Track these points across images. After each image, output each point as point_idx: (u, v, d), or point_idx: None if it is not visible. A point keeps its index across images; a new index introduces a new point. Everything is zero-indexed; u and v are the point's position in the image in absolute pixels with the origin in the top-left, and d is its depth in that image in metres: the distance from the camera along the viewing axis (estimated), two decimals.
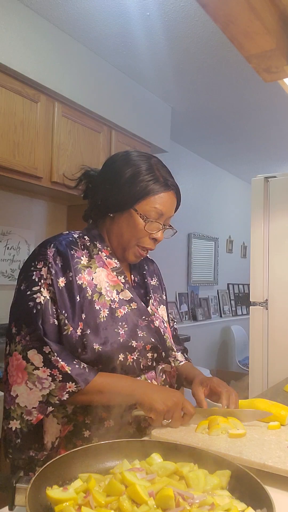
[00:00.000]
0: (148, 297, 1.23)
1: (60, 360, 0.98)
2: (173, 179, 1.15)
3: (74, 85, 2.55)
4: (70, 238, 1.13)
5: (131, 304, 1.13)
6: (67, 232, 1.17)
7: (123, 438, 1.03)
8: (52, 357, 0.98)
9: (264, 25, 0.98)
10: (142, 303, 1.17)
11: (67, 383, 0.97)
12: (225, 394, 1.10)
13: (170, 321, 1.36)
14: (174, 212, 1.18)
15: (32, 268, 1.07)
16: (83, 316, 1.05)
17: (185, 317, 4.58)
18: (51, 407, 0.98)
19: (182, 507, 0.65)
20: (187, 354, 1.37)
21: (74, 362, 1.00)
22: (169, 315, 1.36)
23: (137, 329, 1.11)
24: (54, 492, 0.67)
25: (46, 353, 0.98)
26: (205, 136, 4.24)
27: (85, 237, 1.16)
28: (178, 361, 1.30)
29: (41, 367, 0.98)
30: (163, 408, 0.97)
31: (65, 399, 0.97)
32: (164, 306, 1.30)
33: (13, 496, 0.66)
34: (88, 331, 1.04)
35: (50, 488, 0.68)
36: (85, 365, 1.01)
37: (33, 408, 0.98)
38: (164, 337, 1.18)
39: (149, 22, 2.40)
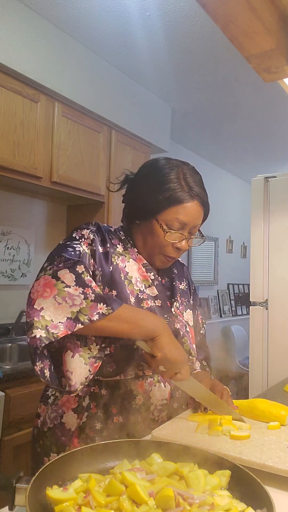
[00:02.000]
0: (173, 299, 1.22)
1: (93, 281, 1.00)
2: (200, 188, 1.13)
3: (74, 85, 2.55)
4: (109, 228, 1.18)
5: (156, 301, 1.15)
6: (105, 225, 1.19)
7: (131, 434, 1.04)
8: (85, 277, 0.99)
9: (264, 25, 0.98)
10: (168, 302, 1.19)
11: (99, 304, 0.96)
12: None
13: (200, 327, 1.36)
14: (203, 221, 1.17)
15: (72, 234, 1.11)
16: (114, 292, 1.07)
17: None
18: (80, 324, 0.95)
19: (182, 507, 0.65)
20: (207, 362, 1.35)
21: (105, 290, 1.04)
22: (200, 320, 1.36)
23: None
24: (54, 492, 0.67)
25: (80, 272, 0.99)
26: (205, 136, 4.24)
27: (120, 232, 1.20)
28: (193, 369, 1.29)
29: (73, 286, 0.97)
30: (170, 357, 0.98)
31: (95, 319, 0.95)
32: (191, 311, 1.29)
33: (13, 496, 0.66)
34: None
35: (50, 488, 0.68)
36: (111, 294, 1.05)
37: (59, 322, 0.94)
38: (183, 340, 1.18)
39: (149, 22, 2.40)
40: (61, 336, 0.94)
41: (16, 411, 1.94)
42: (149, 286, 1.15)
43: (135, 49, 2.68)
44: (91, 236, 1.10)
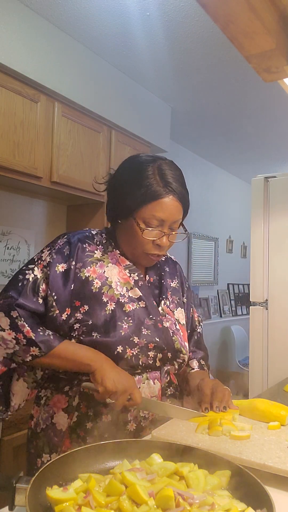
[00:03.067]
0: (161, 298, 1.22)
1: (26, 325, 1.02)
2: (177, 183, 1.11)
3: (74, 85, 2.55)
4: (87, 234, 1.17)
5: (140, 303, 1.14)
6: (86, 229, 1.21)
7: (122, 435, 1.04)
8: (19, 322, 1.02)
9: (264, 25, 0.98)
10: (154, 302, 1.17)
11: (31, 347, 1.02)
12: (215, 402, 1.09)
13: (196, 325, 1.36)
14: (184, 216, 1.15)
15: (38, 253, 1.15)
16: (86, 307, 1.08)
17: None
18: (14, 364, 1.06)
19: (182, 507, 0.65)
20: (204, 361, 1.34)
21: (39, 329, 1.04)
22: (196, 318, 1.36)
23: (142, 327, 1.11)
24: (54, 492, 0.67)
25: (14, 317, 1.03)
26: (205, 136, 4.24)
27: (103, 234, 1.20)
28: (191, 368, 1.29)
29: (7, 330, 1.02)
30: (112, 388, 0.99)
31: (28, 360, 1.04)
32: (182, 309, 1.28)
33: (13, 496, 0.66)
34: (90, 322, 1.07)
35: (50, 488, 0.68)
36: (51, 333, 1.05)
37: None
38: (173, 338, 1.17)
39: (149, 22, 2.40)
40: (0, 373, 1.06)
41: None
42: (131, 288, 1.15)
43: (135, 49, 2.68)
44: (48, 259, 1.10)
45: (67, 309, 1.08)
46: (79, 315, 1.08)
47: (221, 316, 5.27)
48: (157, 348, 1.12)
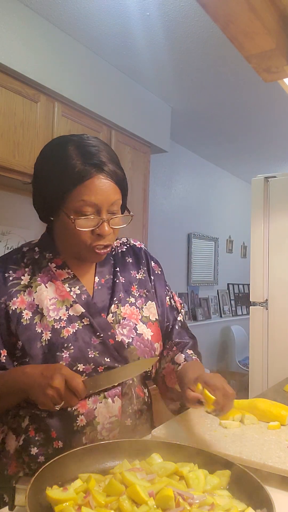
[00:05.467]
0: (111, 302, 1.05)
1: None
2: (105, 158, 0.94)
3: (74, 85, 2.55)
4: (14, 256, 1.03)
5: (83, 320, 0.99)
6: (21, 246, 1.08)
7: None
8: None
9: (264, 25, 0.98)
10: (102, 313, 1.01)
11: None
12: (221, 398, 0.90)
13: (176, 313, 1.19)
14: (124, 196, 1.00)
15: None
16: (20, 343, 0.95)
17: (185, 317, 4.57)
18: None
19: (182, 507, 0.65)
20: (193, 350, 1.14)
21: None
22: (177, 303, 1.20)
23: (88, 349, 0.97)
24: (54, 492, 0.67)
25: None
26: (205, 136, 4.24)
27: (35, 248, 1.06)
28: (178, 365, 1.09)
29: None
30: (45, 400, 0.87)
31: None
32: (153, 302, 1.12)
33: (13, 496, 0.66)
34: (27, 359, 0.95)
35: (50, 488, 0.68)
36: None
37: None
38: (128, 350, 1.00)
39: (149, 22, 2.40)
40: None
41: None
42: (71, 305, 0.99)
43: (135, 49, 2.68)
44: None
45: (1, 351, 0.96)
46: (18, 352, 0.96)
47: (221, 316, 5.27)
48: (109, 368, 0.98)
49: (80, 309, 0.99)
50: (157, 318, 1.11)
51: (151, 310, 1.10)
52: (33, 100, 2.33)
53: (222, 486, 0.74)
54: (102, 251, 0.99)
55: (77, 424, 0.95)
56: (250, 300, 2.76)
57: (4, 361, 0.96)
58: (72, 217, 0.93)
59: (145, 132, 3.18)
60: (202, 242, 5.02)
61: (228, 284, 5.57)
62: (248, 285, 3.65)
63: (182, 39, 2.56)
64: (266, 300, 2.71)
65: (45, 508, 0.66)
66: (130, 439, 0.90)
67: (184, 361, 1.08)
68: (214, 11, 0.96)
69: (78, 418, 0.95)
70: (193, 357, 1.11)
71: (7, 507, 0.68)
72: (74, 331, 0.97)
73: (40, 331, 0.96)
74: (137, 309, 1.08)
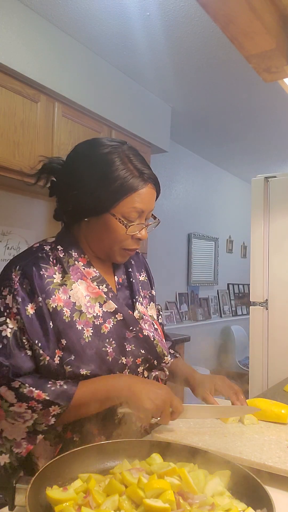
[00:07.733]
0: (134, 299, 1.11)
1: (34, 389, 0.90)
2: (148, 168, 1.03)
3: (74, 85, 2.55)
4: (40, 254, 1.02)
5: (117, 316, 1.03)
6: (38, 244, 1.07)
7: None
8: (24, 390, 0.90)
9: (264, 25, 0.98)
10: (129, 310, 1.06)
11: (50, 408, 0.90)
12: (233, 397, 1.11)
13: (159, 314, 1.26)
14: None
15: (1, 299, 0.97)
16: (63, 341, 0.96)
17: (185, 317, 4.58)
18: (40, 435, 0.93)
19: (182, 508, 0.65)
20: (174, 349, 1.28)
21: (49, 384, 0.91)
22: (158, 305, 1.26)
23: (125, 343, 1.02)
24: (54, 492, 0.67)
25: (17, 387, 0.90)
26: (205, 136, 4.24)
27: (58, 247, 1.05)
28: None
29: (16, 403, 0.90)
30: (152, 407, 0.91)
31: (53, 423, 0.92)
32: (154, 303, 1.20)
33: (13, 496, 0.66)
34: (73, 357, 0.95)
35: (50, 488, 0.68)
36: (62, 382, 0.93)
37: (22, 439, 0.93)
38: (154, 343, 1.07)
39: (149, 22, 2.40)
40: (25, 454, 0.93)
41: None
42: (105, 301, 1.03)
43: (135, 49, 2.68)
44: (17, 299, 0.94)
45: (56, 351, 0.96)
46: (60, 352, 0.96)
47: (221, 316, 5.27)
48: (144, 361, 1.05)
49: (113, 305, 1.03)
50: (157, 318, 1.19)
51: (153, 311, 1.18)
52: (33, 100, 2.33)
53: (222, 486, 0.74)
54: (132, 253, 1.07)
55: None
56: (250, 300, 2.76)
57: (58, 362, 0.95)
58: (124, 221, 0.99)
59: (145, 132, 3.18)
60: (202, 242, 5.02)
61: (228, 284, 5.57)
62: (248, 285, 3.65)
63: (182, 39, 2.56)
64: (266, 300, 2.71)
65: (45, 508, 0.66)
66: (130, 439, 0.90)
67: (171, 359, 1.20)
68: (214, 11, 0.96)
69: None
70: (177, 355, 1.27)
71: (7, 507, 0.68)
72: (111, 326, 1.02)
73: (80, 328, 0.98)
74: (145, 308, 1.15)
